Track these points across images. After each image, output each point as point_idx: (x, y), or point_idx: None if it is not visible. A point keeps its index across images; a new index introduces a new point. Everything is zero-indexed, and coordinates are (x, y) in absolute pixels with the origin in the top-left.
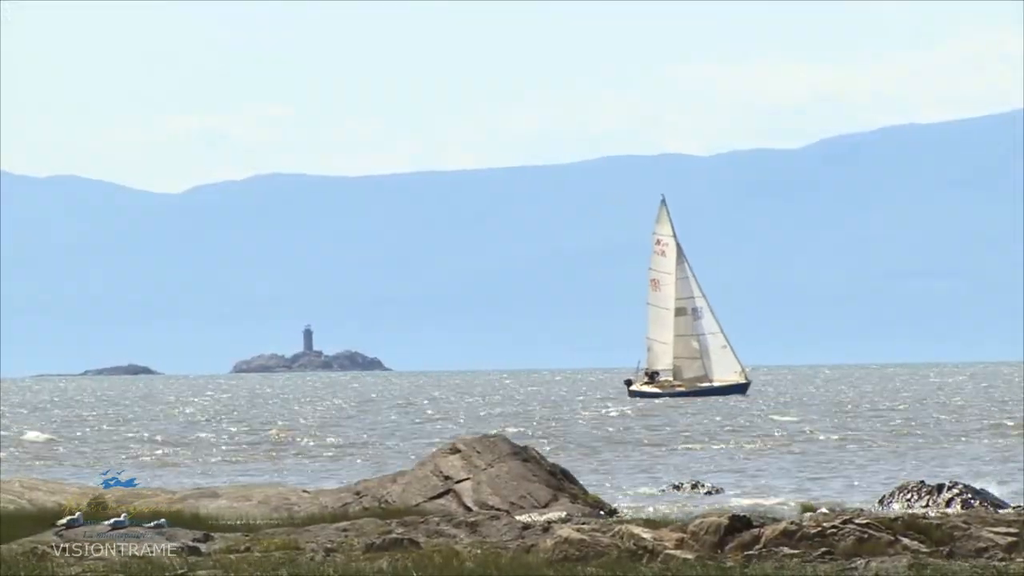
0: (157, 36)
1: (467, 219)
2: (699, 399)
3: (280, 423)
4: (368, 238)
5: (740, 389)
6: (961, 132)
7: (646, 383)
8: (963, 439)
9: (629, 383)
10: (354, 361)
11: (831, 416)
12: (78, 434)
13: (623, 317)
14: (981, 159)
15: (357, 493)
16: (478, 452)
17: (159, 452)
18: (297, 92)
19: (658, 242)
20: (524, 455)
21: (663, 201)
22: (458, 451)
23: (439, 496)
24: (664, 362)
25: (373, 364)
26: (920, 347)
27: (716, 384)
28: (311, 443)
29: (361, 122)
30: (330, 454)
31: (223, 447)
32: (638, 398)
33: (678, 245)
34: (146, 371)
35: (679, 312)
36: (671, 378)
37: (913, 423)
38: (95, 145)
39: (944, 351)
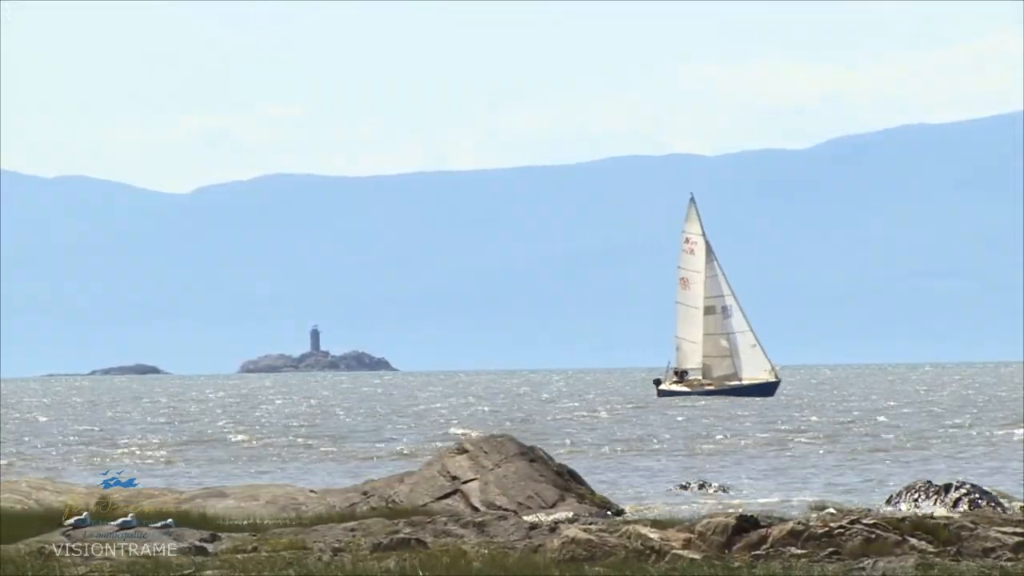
0: (164, 37)
1: (473, 219)
2: (728, 397)
3: (235, 424)
4: (374, 238)
5: (770, 388)
6: (965, 133)
7: (675, 382)
8: (966, 438)
9: (658, 382)
10: (361, 361)
11: (837, 416)
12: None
13: (627, 317)
14: (984, 159)
15: (364, 493)
16: (485, 452)
17: (91, 449)
18: (303, 93)
19: (687, 240)
20: (531, 455)
21: (692, 200)
22: (465, 451)
23: (446, 496)
24: (693, 361)
25: (380, 364)
26: (923, 347)
27: (746, 383)
28: (250, 443)
29: (366, 122)
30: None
31: (155, 447)
32: (666, 397)
33: (707, 243)
34: (154, 371)
35: (708, 311)
36: (700, 377)
37: (917, 423)
38: (102, 145)
39: (946, 351)
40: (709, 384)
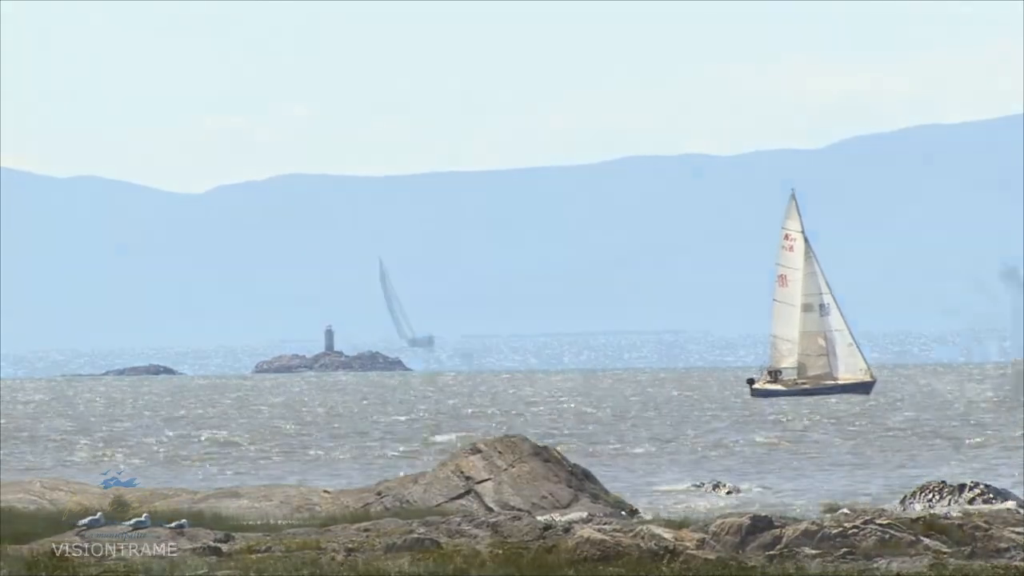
0: (180, 37)
1: (487, 220)
2: (826, 396)
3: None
4: (389, 238)
5: (865, 388)
6: (981, 133)
7: (769, 382)
8: (976, 441)
9: (751, 381)
10: (375, 361)
11: (853, 417)
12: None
13: (642, 317)
14: (1002, 160)
15: (378, 494)
16: (499, 452)
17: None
18: (317, 93)
19: (787, 237)
20: (545, 455)
21: (793, 195)
22: (479, 451)
23: (460, 496)
24: (789, 360)
25: (395, 364)
26: (938, 348)
27: (841, 382)
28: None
29: (383, 122)
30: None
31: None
32: (760, 397)
33: (806, 240)
34: (167, 371)
35: (806, 308)
36: (795, 376)
37: (933, 424)
38: (116, 145)
39: (959, 352)
40: (804, 383)
